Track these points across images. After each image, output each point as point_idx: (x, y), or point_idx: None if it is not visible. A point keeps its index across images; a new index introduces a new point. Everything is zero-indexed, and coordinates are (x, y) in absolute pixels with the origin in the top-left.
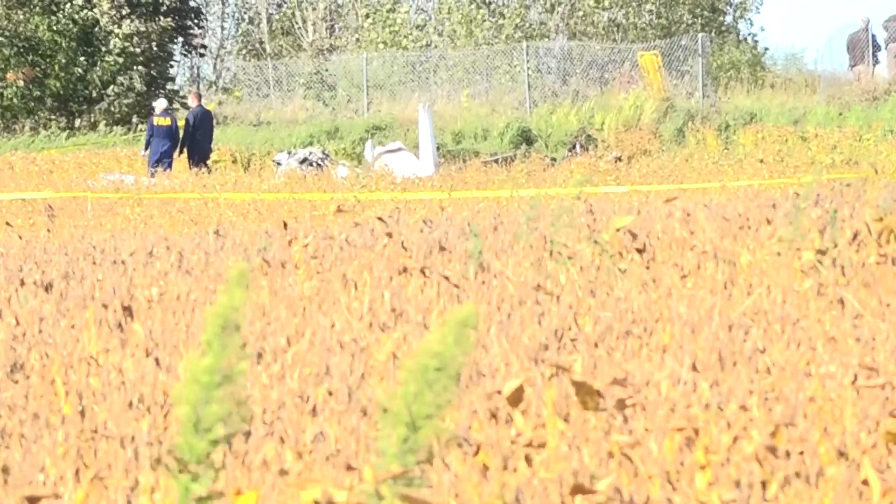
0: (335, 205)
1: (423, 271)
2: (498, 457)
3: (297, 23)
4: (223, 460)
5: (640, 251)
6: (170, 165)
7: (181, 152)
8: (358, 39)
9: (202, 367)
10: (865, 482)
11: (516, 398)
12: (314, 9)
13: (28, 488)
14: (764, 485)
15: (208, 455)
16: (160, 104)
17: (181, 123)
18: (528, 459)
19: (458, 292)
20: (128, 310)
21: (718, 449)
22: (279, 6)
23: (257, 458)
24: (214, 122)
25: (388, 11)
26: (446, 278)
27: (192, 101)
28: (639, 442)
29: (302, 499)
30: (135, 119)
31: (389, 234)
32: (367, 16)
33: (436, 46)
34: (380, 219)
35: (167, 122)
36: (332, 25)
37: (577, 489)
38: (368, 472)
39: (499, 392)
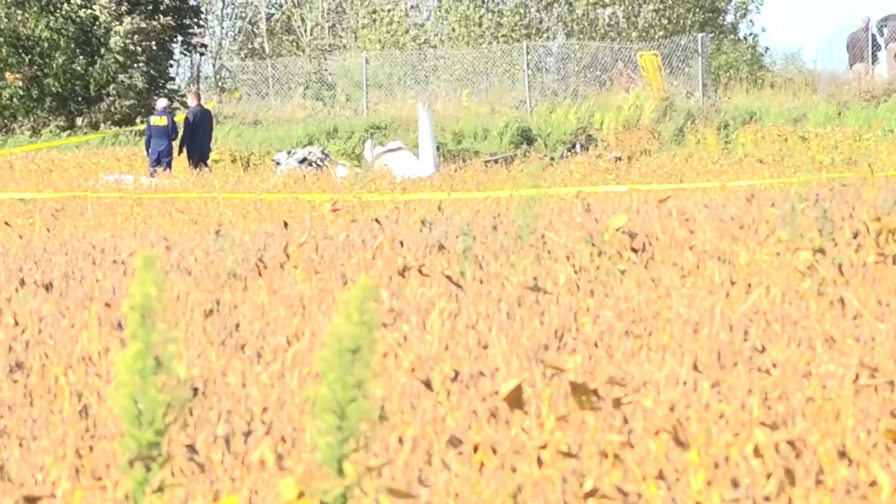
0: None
1: (420, 270)
2: (496, 456)
3: (296, 22)
4: (169, 449)
5: (639, 251)
6: (169, 165)
7: (181, 152)
8: (356, 37)
9: (131, 356)
10: (874, 483)
11: (514, 398)
12: (316, 7)
13: (26, 488)
14: (764, 484)
15: (157, 445)
16: (160, 103)
17: (180, 118)
18: (532, 460)
19: (456, 291)
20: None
21: (717, 448)
22: (279, 6)
23: (255, 457)
24: (214, 121)
25: (387, 12)
26: (448, 278)
27: (191, 101)
28: (630, 442)
29: (283, 496)
30: (138, 119)
31: (388, 234)
32: (368, 16)
33: (435, 46)
34: (376, 220)
35: (163, 121)
36: (333, 25)
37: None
38: (350, 467)
39: (496, 393)
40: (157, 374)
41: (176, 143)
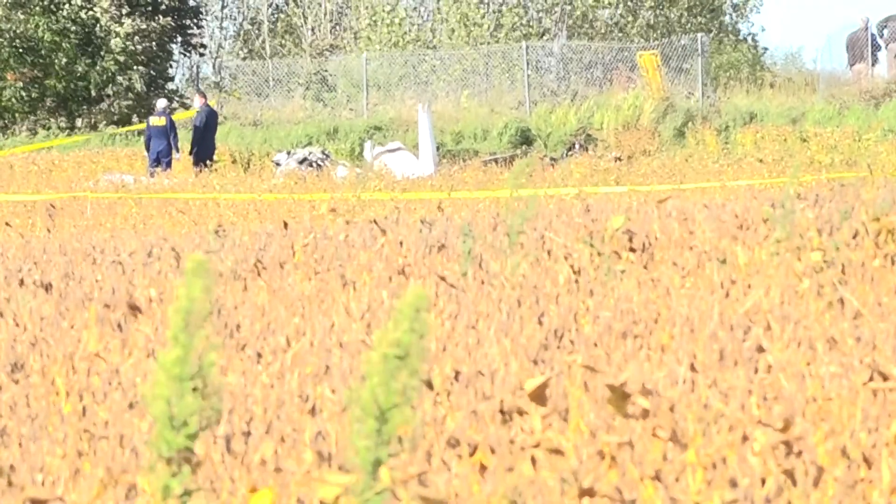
0: (331, 205)
1: (421, 271)
2: (498, 458)
3: (299, 22)
4: (204, 455)
5: (638, 251)
6: (169, 164)
7: (191, 151)
8: (356, 37)
9: (171, 360)
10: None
11: (538, 395)
12: (319, 5)
13: (31, 490)
14: (763, 483)
15: (187, 449)
16: (159, 104)
17: (179, 116)
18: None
19: (456, 292)
20: (128, 309)
21: (716, 449)
22: (278, 8)
23: (256, 457)
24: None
25: (388, 12)
26: (443, 278)
27: (198, 102)
28: (630, 442)
29: (321, 498)
30: (135, 119)
31: (387, 235)
32: (369, 17)
33: (435, 47)
34: (374, 222)
35: (162, 121)
36: (335, 26)
37: (586, 493)
38: (385, 472)
39: (500, 395)
40: (195, 379)
41: (186, 146)
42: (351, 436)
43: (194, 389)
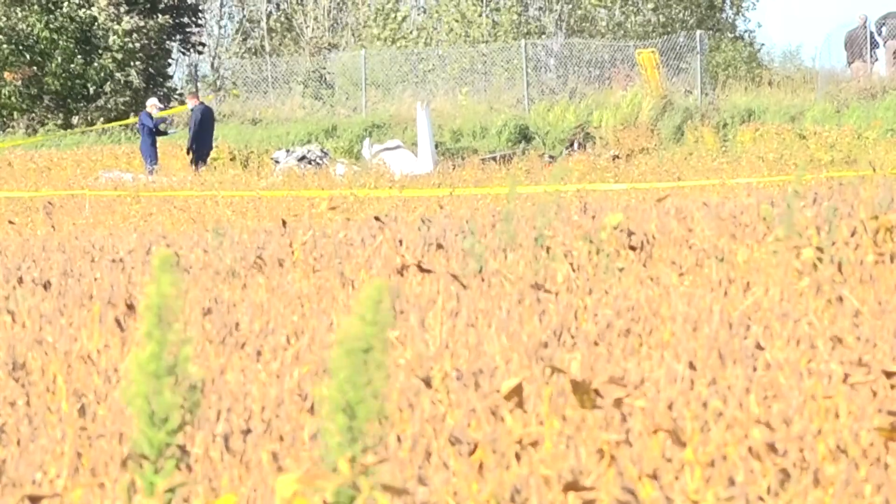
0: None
1: (419, 266)
2: (495, 455)
3: (298, 19)
4: (188, 450)
5: (637, 249)
6: (150, 161)
7: (189, 151)
8: (357, 36)
9: (146, 358)
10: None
11: (515, 396)
12: (317, 4)
13: (30, 488)
14: (764, 483)
15: (168, 446)
16: (148, 102)
17: (177, 110)
18: (521, 457)
19: (456, 290)
20: (129, 308)
21: (714, 447)
22: (277, 6)
23: (254, 456)
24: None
25: (388, 11)
26: (455, 277)
27: (190, 102)
28: (628, 440)
29: (278, 494)
30: (132, 115)
31: (386, 232)
32: (369, 15)
33: (434, 44)
34: (376, 218)
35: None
36: (333, 24)
37: (570, 486)
38: (343, 464)
39: (497, 391)
40: (171, 375)
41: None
42: (322, 434)
43: (172, 385)
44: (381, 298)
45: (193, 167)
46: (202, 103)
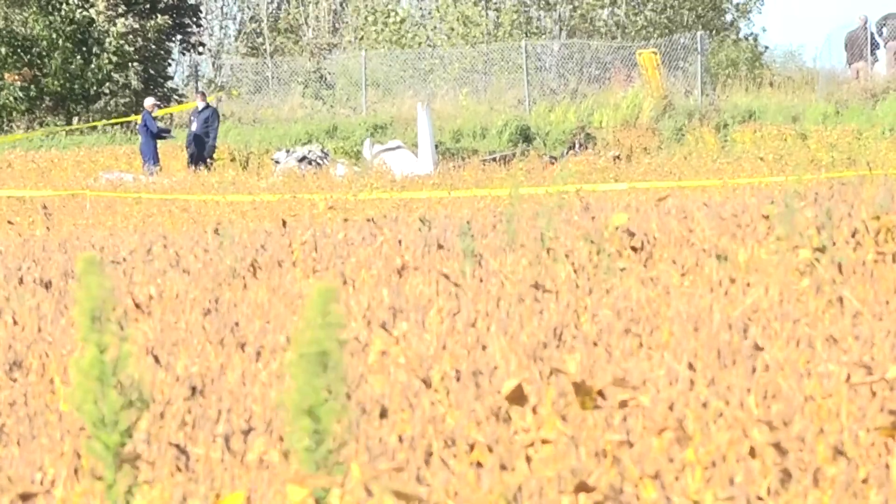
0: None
1: (419, 269)
2: (496, 455)
3: (299, 20)
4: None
5: (638, 249)
6: (151, 162)
7: (189, 150)
8: (359, 37)
9: (87, 363)
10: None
11: (515, 397)
12: (317, 4)
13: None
14: (763, 482)
15: (123, 445)
16: (146, 102)
17: (184, 107)
18: (527, 458)
19: (456, 290)
20: (128, 308)
21: (715, 447)
22: (279, 7)
23: (254, 456)
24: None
25: (388, 11)
26: (446, 276)
27: (200, 103)
28: (629, 441)
29: (290, 498)
30: (132, 116)
31: (386, 232)
32: (368, 17)
33: (434, 45)
34: (371, 220)
35: (141, 120)
36: (334, 24)
37: (581, 487)
38: (356, 469)
39: (498, 392)
40: (115, 376)
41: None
42: (290, 440)
43: (117, 385)
44: (328, 301)
45: (202, 166)
46: (208, 104)
